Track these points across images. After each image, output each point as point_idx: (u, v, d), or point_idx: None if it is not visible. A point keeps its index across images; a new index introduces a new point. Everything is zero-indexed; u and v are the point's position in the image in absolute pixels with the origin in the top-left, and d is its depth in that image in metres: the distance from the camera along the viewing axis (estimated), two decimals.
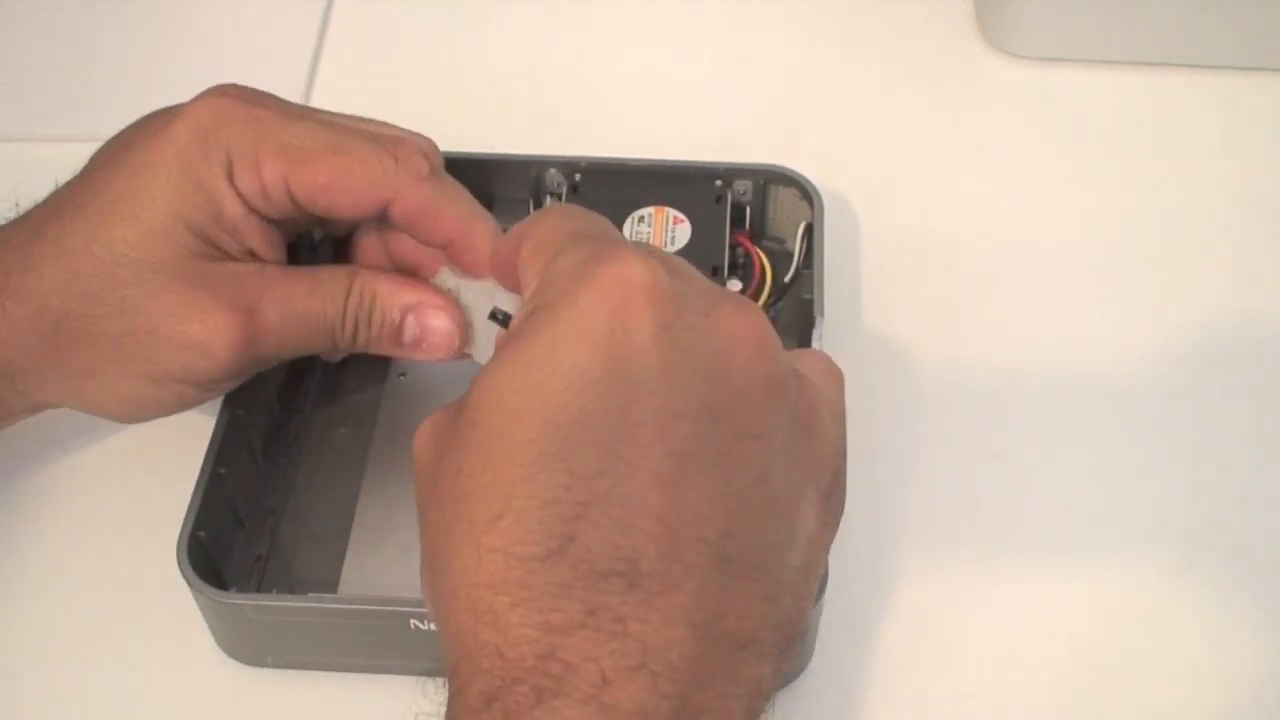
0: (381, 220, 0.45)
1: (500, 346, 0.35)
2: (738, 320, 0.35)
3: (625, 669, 0.31)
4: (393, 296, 0.45)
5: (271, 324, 0.44)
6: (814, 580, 0.36)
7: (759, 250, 0.54)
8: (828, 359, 0.38)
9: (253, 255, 0.44)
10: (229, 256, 0.44)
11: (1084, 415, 0.53)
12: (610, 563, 0.32)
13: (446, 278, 0.46)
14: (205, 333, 0.43)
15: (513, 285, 0.41)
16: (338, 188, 0.43)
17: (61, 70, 0.66)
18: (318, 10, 0.69)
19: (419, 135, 0.46)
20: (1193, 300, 0.57)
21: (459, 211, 0.45)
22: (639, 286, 0.34)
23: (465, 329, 0.46)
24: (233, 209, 0.43)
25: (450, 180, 0.45)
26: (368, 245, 0.47)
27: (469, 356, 0.47)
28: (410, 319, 0.45)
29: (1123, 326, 0.56)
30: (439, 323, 0.46)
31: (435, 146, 0.46)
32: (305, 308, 0.44)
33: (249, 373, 0.45)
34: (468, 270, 0.45)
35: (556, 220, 0.38)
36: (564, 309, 0.34)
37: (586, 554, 0.32)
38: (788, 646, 0.35)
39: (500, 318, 0.44)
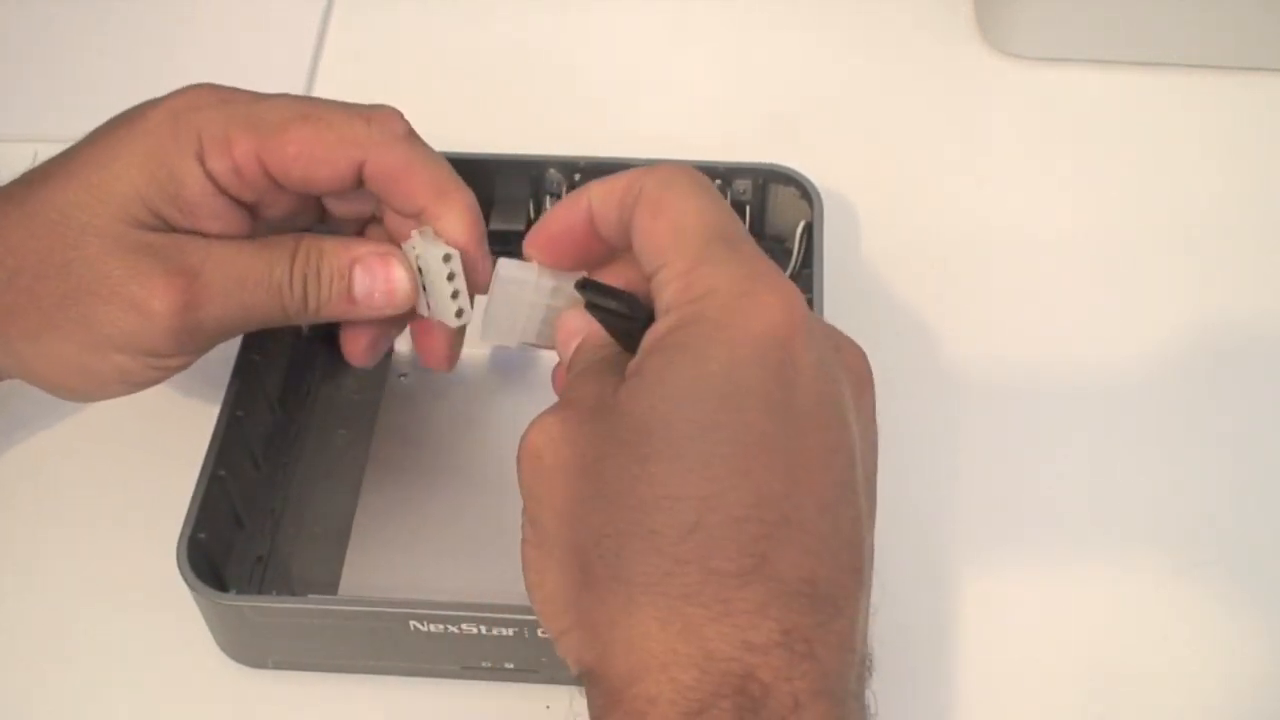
0: (362, 190, 0.44)
1: (658, 353, 0.35)
2: (860, 361, 0.37)
3: (813, 692, 0.32)
4: (339, 250, 0.44)
5: (213, 286, 0.43)
6: None
7: None
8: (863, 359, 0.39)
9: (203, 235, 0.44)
10: (176, 232, 0.43)
11: (1084, 414, 0.53)
12: (798, 584, 0.33)
13: (421, 243, 0.44)
14: (142, 293, 0.42)
15: (566, 261, 0.41)
16: (309, 154, 0.43)
17: (60, 70, 0.66)
18: (318, 10, 0.69)
19: (385, 105, 0.45)
20: (1193, 300, 0.57)
21: (435, 174, 0.44)
22: (800, 320, 0.35)
23: (417, 281, 0.44)
24: (195, 189, 0.42)
25: (426, 145, 0.45)
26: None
27: (424, 316, 0.45)
28: (358, 270, 0.44)
29: (1123, 326, 0.56)
30: (392, 270, 0.44)
31: (401, 114, 0.45)
32: (247, 267, 0.43)
33: (196, 345, 0.44)
34: (443, 235, 0.44)
35: (692, 202, 0.37)
36: (739, 331, 0.34)
37: (777, 573, 0.33)
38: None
39: (591, 290, 0.39)
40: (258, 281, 0.43)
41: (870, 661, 0.36)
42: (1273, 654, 0.47)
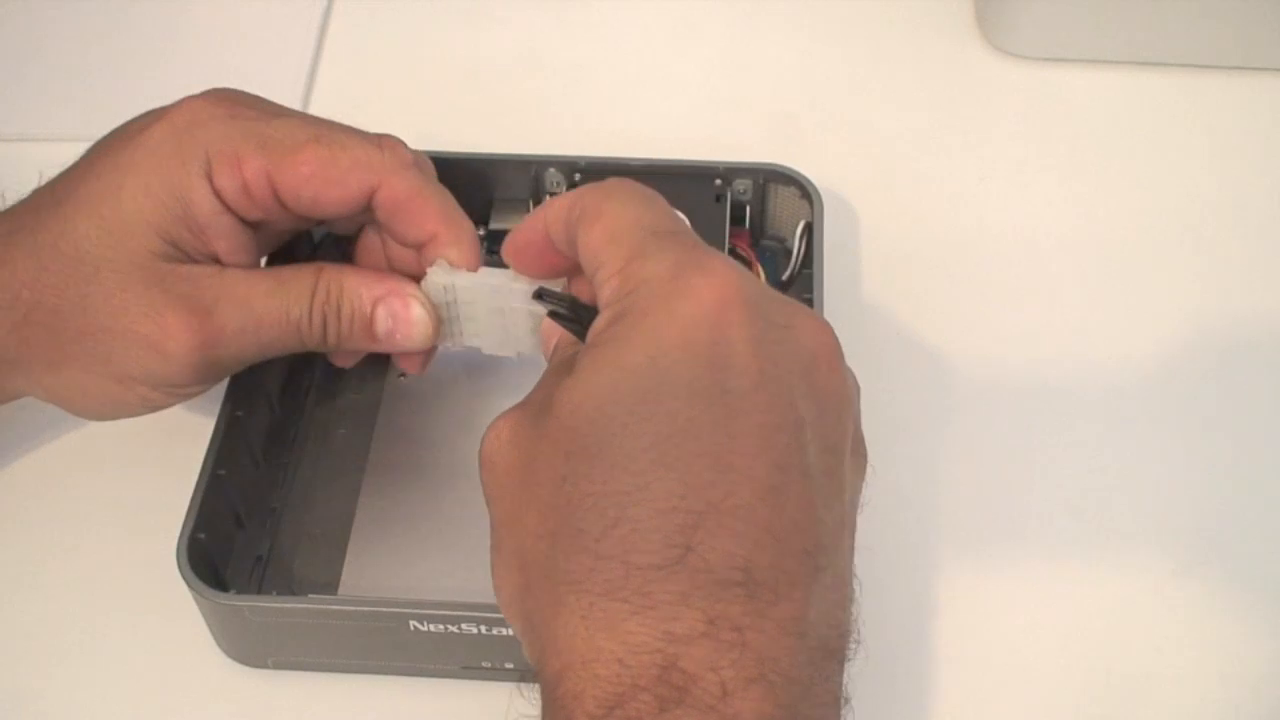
0: (369, 214, 0.45)
1: (589, 350, 0.35)
2: (816, 334, 0.36)
3: (744, 679, 0.32)
4: (361, 288, 0.44)
5: (229, 325, 0.43)
6: None
7: (753, 253, 0.54)
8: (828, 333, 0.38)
9: (216, 260, 0.44)
10: (191, 259, 0.43)
11: (1083, 414, 0.53)
12: (728, 572, 0.32)
13: (440, 274, 0.44)
14: (158, 333, 0.42)
15: (535, 270, 0.42)
16: (322, 176, 0.43)
17: (59, 70, 0.66)
18: (318, 10, 0.69)
19: (389, 134, 0.45)
20: (1193, 299, 0.57)
21: (444, 202, 0.44)
22: (735, 297, 0.34)
23: (437, 318, 0.45)
24: (203, 209, 0.42)
25: (432, 175, 0.45)
26: (368, 244, 0.47)
27: (456, 345, 0.46)
28: (381, 310, 0.44)
29: (1122, 326, 0.56)
30: (412, 311, 0.44)
31: (427, 160, 0.46)
32: (265, 308, 0.43)
33: (215, 376, 0.45)
34: (455, 264, 0.44)
35: (628, 208, 0.38)
36: (663, 317, 0.34)
37: (704, 563, 0.32)
38: (850, 652, 0.36)
39: (546, 298, 0.41)
40: (275, 321, 0.44)
41: (856, 643, 0.35)
42: (1273, 654, 0.47)
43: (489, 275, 0.44)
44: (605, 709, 0.32)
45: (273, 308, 0.44)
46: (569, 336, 0.40)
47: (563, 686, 0.33)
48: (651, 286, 0.35)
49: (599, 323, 0.36)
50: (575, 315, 0.40)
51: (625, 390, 0.34)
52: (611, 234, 0.37)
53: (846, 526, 0.36)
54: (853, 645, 0.36)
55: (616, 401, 0.34)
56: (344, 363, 0.49)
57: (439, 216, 0.44)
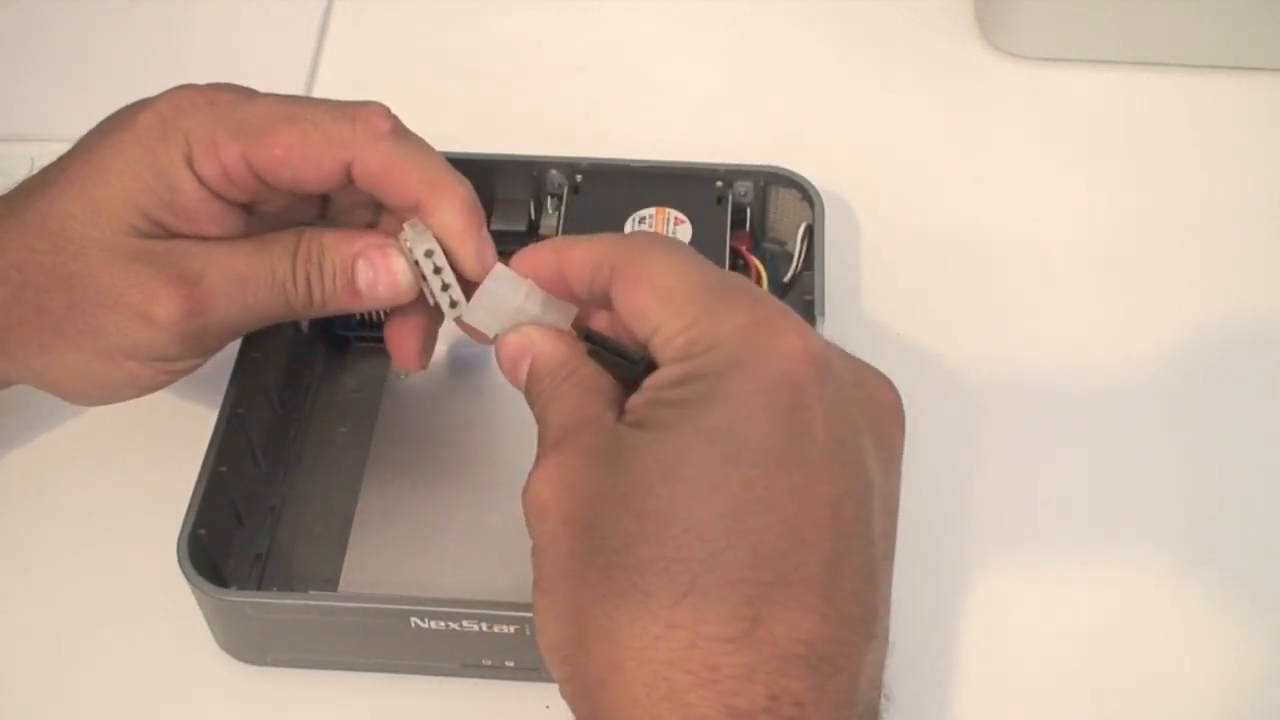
0: (352, 188, 0.44)
1: (664, 408, 0.35)
2: (885, 394, 0.36)
3: None
4: (340, 244, 0.44)
5: (216, 289, 0.43)
6: None
7: (754, 257, 0.54)
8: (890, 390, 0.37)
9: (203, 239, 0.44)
10: (177, 238, 0.43)
11: (1084, 414, 0.53)
12: (793, 645, 0.32)
13: (406, 235, 0.43)
14: (145, 300, 0.42)
15: (565, 294, 0.40)
16: (296, 156, 0.42)
17: (59, 70, 0.66)
18: (318, 10, 0.69)
19: (373, 101, 0.45)
20: (1193, 299, 0.57)
21: (425, 169, 0.43)
22: (813, 359, 0.34)
23: (418, 272, 0.44)
24: (190, 196, 0.42)
25: (415, 139, 0.44)
26: (386, 224, 0.47)
27: (435, 305, 0.44)
28: (361, 263, 0.44)
29: (1123, 326, 0.56)
30: (392, 262, 0.44)
31: (388, 109, 0.44)
32: (250, 267, 0.43)
33: (204, 348, 0.44)
34: (439, 230, 0.43)
35: (672, 264, 0.37)
36: (742, 381, 0.34)
37: (771, 636, 0.32)
38: (883, 706, 0.35)
39: (593, 339, 0.39)
40: (260, 281, 0.43)
41: (887, 699, 0.35)
42: (1273, 654, 0.47)
43: (497, 283, 0.42)
44: None
45: (258, 266, 0.43)
46: (556, 357, 0.39)
47: None
48: (727, 349, 0.34)
49: (665, 374, 0.35)
50: (634, 362, 0.38)
51: (703, 456, 0.33)
52: (663, 293, 0.36)
53: (890, 581, 0.36)
54: (884, 700, 0.35)
55: (694, 464, 0.33)
56: (412, 364, 0.47)
57: (420, 183, 0.43)
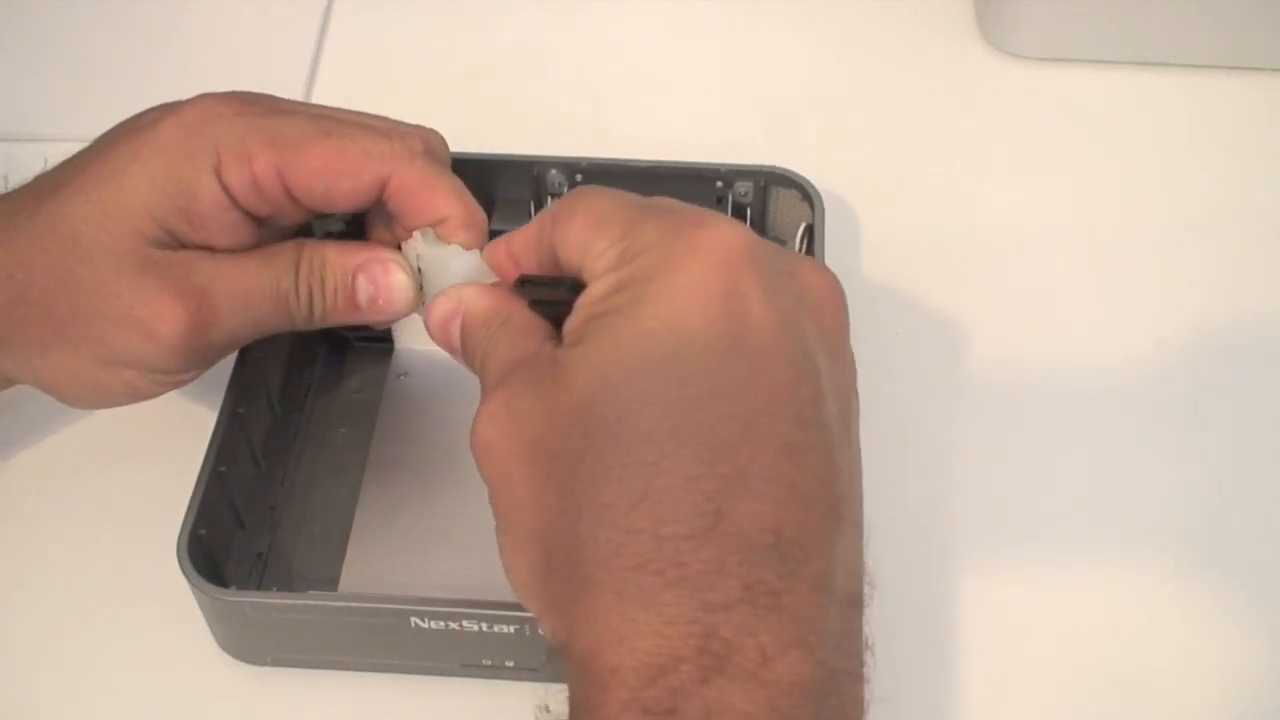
0: (380, 203, 0.44)
1: (595, 319, 0.35)
2: (820, 279, 0.36)
3: (783, 644, 0.32)
4: (341, 259, 0.44)
5: (222, 303, 0.43)
6: None
7: None
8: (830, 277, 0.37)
9: (210, 250, 0.44)
10: (185, 248, 0.43)
11: (1084, 414, 0.53)
12: (759, 535, 0.32)
13: (417, 243, 0.44)
14: (150, 315, 0.42)
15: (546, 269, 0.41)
16: (334, 169, 0.43)
17: (60, 70, 0.66)
18: (318, 10, 0.69)
19: (423, 127, 0.45)
20: (1193, 299, 0.57)
21: (456, 186, 0.44)
22: (741, 249, 0.34)
23: (418, 284, 0.44)
24: (208, 204, 0.42)
25: (446, 160, 0.45)
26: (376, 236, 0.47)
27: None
28: (361, 278, 0.44)
29: (1123, 326, 0.56)
30: (391, 277, 0.44)
31: (442, 138, 0.46)
32: (255, 283, 0.43)
33: (204, 361, 0.44)
34: (468, 247, 0.44)
35: (605, 196, 0.37)
36: (671, 277, 0.33)
37: (735, 529, 0.32)
38: (867, 595, 0.35)
39: (528, 285, 0.40)
40: (265, 295, 0.44)
41: (871, 586, 0.35)
42: (1273, 654, 0.47)
43: (453, 257, 0.43)
44: (645, 681, 0.31)
45: (264, 279, 0.44)
46: (485, 311, 0.39)
47: (597, 662, 0.32)
48: (654, 250, 0.34)
49: (593, 292, 0.35)
50: (555, 295, 0.38)
51: (641, 357, 0.33)
52: (596, 219, 0.36)
53: (857, 469, 0.36)
54: (868, 588, 0.35)
55: (633, 369, 0.33)
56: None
57: (450, 201, 0.44)
